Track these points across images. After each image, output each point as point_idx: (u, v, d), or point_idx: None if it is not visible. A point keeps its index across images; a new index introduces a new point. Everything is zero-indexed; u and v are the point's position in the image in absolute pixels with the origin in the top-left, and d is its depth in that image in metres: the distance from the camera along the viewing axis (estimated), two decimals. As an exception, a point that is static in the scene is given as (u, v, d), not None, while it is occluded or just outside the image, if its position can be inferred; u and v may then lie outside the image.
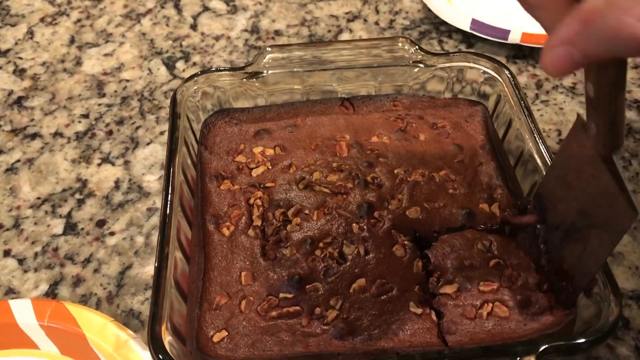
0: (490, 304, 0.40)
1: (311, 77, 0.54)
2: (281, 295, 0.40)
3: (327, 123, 0.51)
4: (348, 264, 0.41)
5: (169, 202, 0.43)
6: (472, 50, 0.65)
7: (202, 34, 0.72)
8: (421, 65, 0.53)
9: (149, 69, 0.67)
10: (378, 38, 0.64)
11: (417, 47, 0.52)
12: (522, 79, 0.65)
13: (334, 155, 0.48)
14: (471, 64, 0.52)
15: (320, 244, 0.42)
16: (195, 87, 0.52)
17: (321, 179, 0.46)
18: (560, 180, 0.39)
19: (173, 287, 0.40)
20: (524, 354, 0.34)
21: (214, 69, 0.53)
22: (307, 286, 0.41)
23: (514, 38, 0.65)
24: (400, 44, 0.53)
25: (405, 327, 0.39)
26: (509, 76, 0.50)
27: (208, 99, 0.53)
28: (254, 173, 0.48)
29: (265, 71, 0.53)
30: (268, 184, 0.47)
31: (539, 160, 0.46)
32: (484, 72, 0.52)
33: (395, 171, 0.46)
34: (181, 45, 0.70)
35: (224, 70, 0.53)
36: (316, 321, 0.39)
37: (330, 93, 0.55)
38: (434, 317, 0.39)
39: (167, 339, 0.37)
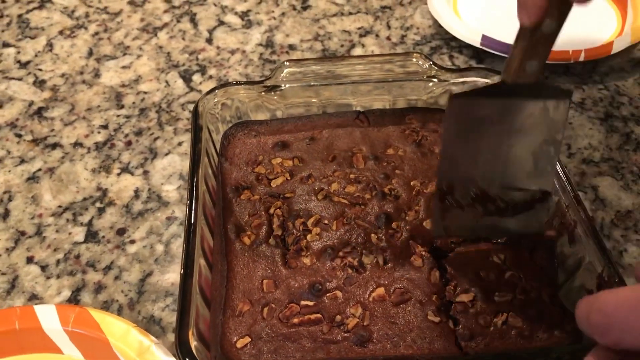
0: (505, 314, 0.41)
1: (327, 90, 0.56)
2: (302, 302, 0.42)
3: (343, 135, 0.53)
4: (367, 272, 0.43)
5: (193, 211, 0.45)
6: (484, 66, 0.66)
7: (218, 47, 0.73)
8: (435, 80, 0.55)
9: (166, 82, 0.69)
10: (392, 53, 0.66)
11: (430, 62, 0.54)
12: (531, 94, 0.66)
13: (351, 167, 0.50)
14: (484, 79, 0.54)
15: (340, 253, 0.44)
16: (215, 100, 0.54)
17: (339, 190, 0.48)
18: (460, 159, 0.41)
19: (198, 294, 0.42)
20: (539, 360, 0.35)
21: (233, 82, 0.55)
22: (328, 294, 0.42)
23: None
24: (414, 59, 0.55)
25: (424, 335, 0.40)
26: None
27: (227, 111, 0.55)
28: (273, 184, 0.50)
29: (282, 85, 0.55)
30: (287, 194, 0.49)
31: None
32: None
33: (412, 183, 0.48)
34: (197, 59, 0.72)
35: (243, 83, 0.55)
36: (337, 328, 0.41)
37: (346, 106, 0.57)
38: (451, 325, 0.40)
39: (194, 344, 0.38)
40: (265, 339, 0.40)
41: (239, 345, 0.40)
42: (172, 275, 0.50)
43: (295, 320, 0.41)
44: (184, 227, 0.44)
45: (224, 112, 0.55)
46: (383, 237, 0.45)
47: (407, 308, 0.42)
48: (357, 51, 0.73)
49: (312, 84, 0.56)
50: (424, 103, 0.56)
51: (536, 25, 0.36)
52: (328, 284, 0.43)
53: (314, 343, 0.40)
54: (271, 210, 0.48)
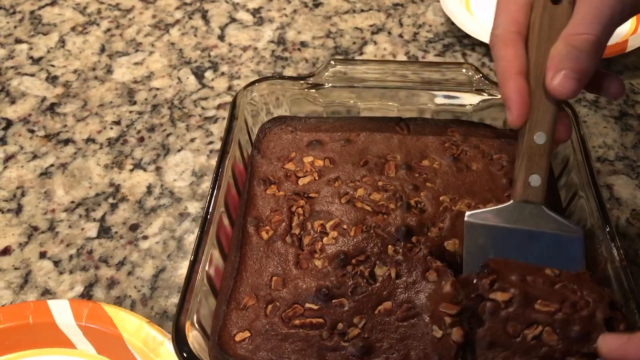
0: (541, 327, 0.38)
1: (370, 94, 0.58)
2: (307, 305, 0.44)
3: (380, 141, 0.55)
4: (377, 284, 0.45)
5: (213, 199, 0.47)
6: None
7: (230, 44, 0.74)
8: (484, 94, 0.56)
9: (179, 78, 0.69)
10: (442, 62, 0.65)
11: (481, 75, 0.55)
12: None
13: (381, 174, 0.52)
14: None
15: (353, 261, 0.46)
16: (256, 92, 0.57)
17: (364, 196, 0.50)
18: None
19: (205, 283, 0.45)
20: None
21: (276, 75, 0.56)
22: (334, 300, 0.44)
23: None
24: (464, 70, 0.56)
25: (427, 354, 0.41)
26: (571, 114, 0.52)
27: (267, 104, 0.58)
28: (301, 182, 0.52)
29: (326, 83, 0.57)
30: (312, 194, 0.51)
31: (592, 201, 0.48)
32: None
33: (441, 198, 0.49)
34: (209, 55, 0.73)
35: (286, 78, 0.58)
36: (337, 336, 0.42)
37: (388, 112, 0.59)
38: (454, 337, 0.40)
39: (192, 332, 0.41)
40: (264, 336, 0.43)
41: (237, 338, 0.43)
42: (185, 271, 0.50)
43: (297, 322, 0.43)
44: (202, 215, 0.44)
45: (264, 106, 0.58)
46: (400, 250, 0.46)
47: (413, 325, 0.43)
48: (369, 49, 0.73)
49: (355, 85, 0.57)
50: (468, 117, 0.57)
51: (524, 127, 0.43)
52: (335, 290, 0.44)
53: (311, 348, 0.42)
54: (293, 208, 0.50)
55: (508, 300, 0.39)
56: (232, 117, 0.53)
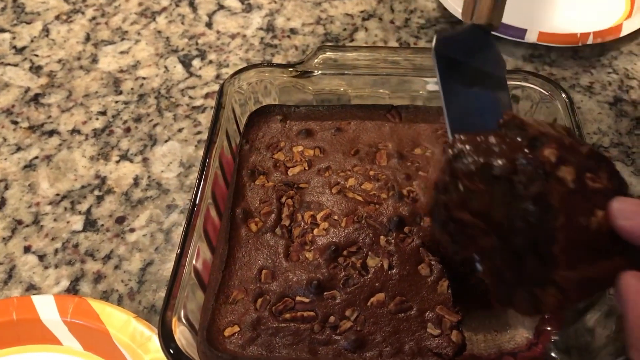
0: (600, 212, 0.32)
1: (361, 81, 0.57)
2: (298, 298, 0.43)
3: (371, 129, 0.54)
4: (370, 276, 0.43)
5: (200, 191, 0.46)
6: (531, 70, 0.64)
7: (218, 32, 0.72)
8: None
9: (165, 67, 0.68)
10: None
11: None
12: (539, 79, 0.65)
13: (372, 163, 0.51)
14: (529, 84, 0.53)
15: (345, 252, 0.45)
16: (243, 81, 0.55)
17: (355, 186, 0.49)
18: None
19: (193, 277, 0.44)
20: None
21: (264, 63, 0.54)
22: (325, 293, 0.43)
23: (531, 37, 0.66)
24: None
25: (418, 347, 0.40)
26: (566, 100, 0.51)
27: (255, 93, 0.57)
28: (290, 172, 0.51)
29: (315, 71, 0.56)
30: (302, 185, 0.50)
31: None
32: (541, 94, 0.53)
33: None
34: (197, 44, 0.71)
35: (274, 65, 0.55)
36: (329, 329, 0.41)
37: (379, 99, 0.57)
38: (454, 338, 0.40)
39: (179, 328, 0.40)
40: (254, 331, 0.42)
41: (226, 333, 0.42)
42: (173, 264, 0.49)
43: (287, 316, 0.42)
44: (189, 207, 0.43)
45: (252, 95, 0.56)
46: (392, 241, 0.45)
47: (406, 318, 0.42)
48: (360, 35, 0.71)
49: (346, 72, 0.56)
50: None
51: None
52: (327, 282, 0.43)
53: (302, 342, 0.41)
54: (283, 199, 0.49)
55: (574, 179, 0.31)
56: (219, 106, 0.52)
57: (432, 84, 0.56)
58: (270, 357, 0.40)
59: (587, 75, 0.68)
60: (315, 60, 0.55)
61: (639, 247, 0.31)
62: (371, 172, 0.49)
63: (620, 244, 0.31)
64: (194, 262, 0.43)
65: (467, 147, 0.35)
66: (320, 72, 0.55)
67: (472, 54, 0.43)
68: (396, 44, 0.72)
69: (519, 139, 0.34)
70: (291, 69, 0.55)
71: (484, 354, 0.45)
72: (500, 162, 0.34)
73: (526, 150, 0.33)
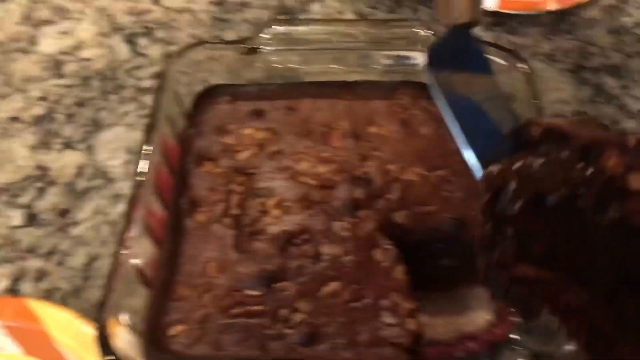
0: None
1: (314, 56, 0.53)
2: (247, 291, 0.41)
3: (325, 107, 0.51)
4: (323, 264, 0.41)
5: (138, 183, 0.43)
6: (492, 39, 0.62)
7: (165, 7, 0.68)
8: None
9: (110, 47, 0.64)
10: (392, 19, 0.60)
11: (432, 32, 0.51)
12: (500, 48, 0.62)
13: (326, 145, 0.48)
14: (488, 56, 0.49)
15: (297, 241, 0.42)
16: (187, 60, 0.51)
17: (308, 170, 0.46)
18: None
19: (134, 275, 0.41)
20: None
21: (209, 41, 0.50)
22: (276, 284, 0.41)
23: (492, 4, 0.63)
24: (414, 28, 0.52)
25: (373, 337, 0.38)
26: (525, 71, 0.48)
27: (202, 72, 0.52)
28: (240, 157, 0.48)
29: (264, 47, 0.52)
30: (251, 170, 0.47)
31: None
32: (500, 65, 0.50)
33: (389, 167, 0.46)
34: (143, 21, 0.67)
35: (219, 42, 0.51)
36: (280, 323, 0.39)
37: (333, 75, 0.54)
38: (409, 326, 0.38)
39: (120, 330, 0.37)
40: (201, 329, 0.39)
41: (171, 332, 0.39)
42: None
43: (236, 311, 0.40)
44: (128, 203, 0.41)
45: (197, 76, 0.52)
46: (347, 226, 0.43)
47: (361, 307, 0.40)
48: (316, 6, 0.68)
49: (298, 48, 0.52)
50: (419, 77, 0.52)
51: None
52: (278, 273, 0.41)
53: (252, 337, 0.39)
54: (231, 187, 0.46)
55: None
56: (161, 89, 0.48)
57: (389, 57, 0.53)
58: (218, 356, 0.38)
59: (548, 42, 0.66)
60: (265, 36, 0.52)
61: None
62: (324, 154, 0.47)
63: None
64: (136, 259, 0.40)
65: (508, 178, 0.28)
66: (269, 48, 0.52)
67: (463, 61, 0.38)
68: (352, 16, 0.69)
69: (567, 153, 0.27)
70: (238, 46, 0.52)
71: (444, 338, 0.44)
72: (554, 187, 0.26)
73: (583, 166, 0.26)
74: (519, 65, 0.49)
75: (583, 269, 0.26)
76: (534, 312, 0.29)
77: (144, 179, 0.43)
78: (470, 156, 0.34)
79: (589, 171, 0.25)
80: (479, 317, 0.45)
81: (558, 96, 0.61)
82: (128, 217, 0.41)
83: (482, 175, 0.30)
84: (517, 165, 0.27)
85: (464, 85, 0.37)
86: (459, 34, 0.39)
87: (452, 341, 0.44)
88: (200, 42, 0.52)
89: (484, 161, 0.32)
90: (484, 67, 0.40)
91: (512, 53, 0.50)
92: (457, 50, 0.39)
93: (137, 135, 0.58)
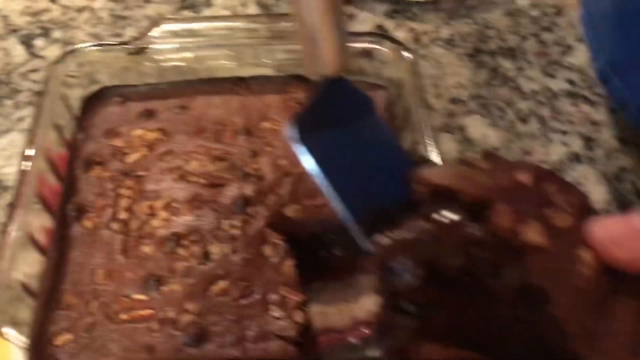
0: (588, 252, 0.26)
1: (207, 52, 0.53)
2: (135, 296, 0.41)
3: (219, 105, 0.51)
4: (212, 264, 0.42)
5: (18, 196, 0.42)
6: (378, 32, 0.63)
7: (63, 6, 0.66)
8: None
9: (4, 49, 0.61)
10: (280, 14, 0.60)
11: None
12: (400, 34, 0.64)
13: (218, 142, 0.48)
14: (376, 46, 0.51)
15: (185, 242, 0.43)
16: (73, 63, 0.50)
17: (198, 169, 0.46)
18: None
19: (18, 287, 0.40)
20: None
21: (94, 43, 0.49)
22: (164, 288, 0.41)
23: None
24: None
25: (261, 332, 0.39)
26: (413, 62, 0.50)
27: (90, 75, 0.52)
28: (129, 159, 0.48)
29: (153, 46, 0.51)
30: (141, 173, 0.47)
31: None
32: (388, 55, 0.51)
33: (281, 162, 0.45)
34: (40, 21, 0.64)
35: (104, 44, 0.50)
36: (169, 326, 0.40)
37: (228, 71, 0.54)
38: (297, 318, 0.39)
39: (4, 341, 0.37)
40: (88, 337, 0.39)
41: (57, 342, 0.39)
42: (14, 272, 0.45)
43: (124, 317, 0.40)
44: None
45: (84, 79, 0.51)
46: (236, 224, 0.43)
47: (250, 304, 0.40)
48: (218, 0, 0.67)
49: (188, 45, 0.52)
50: None
51: None
52: (166, 276, 0.41)
53: (138, 342, 0.39)
54: (120, 191, 0.46)
55: (544, 234, 0.23)
56: (43, 95, 0.47)
57: (284, 51, 0.53)
58: (104, 364, 0.38)
59: (448, 27, 0.68)
60: (154, 35, 0.51)
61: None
62: (216, 152, 0.47)
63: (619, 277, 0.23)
64: (20, 271, 0.39)
65: (398, 252, 0.26)
66: (158, 46, 0.51)
67: (338, 115, 0.35)
68: (256, 8, 0.68)
69: (456, 214, 0.25)
70: (126, 46, 0.51)
71: (338, 326, 0.45)
72: (449, 255, 0.25)
73: (474, 228, 0.24)
74: (405, 54, 0.50)
75: (493, 341, 0.25)
76: None
77: (27, 189, 0.42)
78: (351, 224, 0.30)
79: (481, 233, 0.24)
80: (371, 302, 0.46)
81: (456, 80, 0.63)
82: (4, 227, 0.40)
83: (371, 253, 0.27)
84: (406, 236, 0.26)
85: (343, 144, 0.34)
86: (329, 86, 0.36)
87: (347, 328, 0.45)
88: (85, 46, 0.51)
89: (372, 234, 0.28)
90: (367, 109, 0.36)
91: (396, 43, 0.51)
92: (330, 104, 0.35)
93: (33, 141, 0.56)
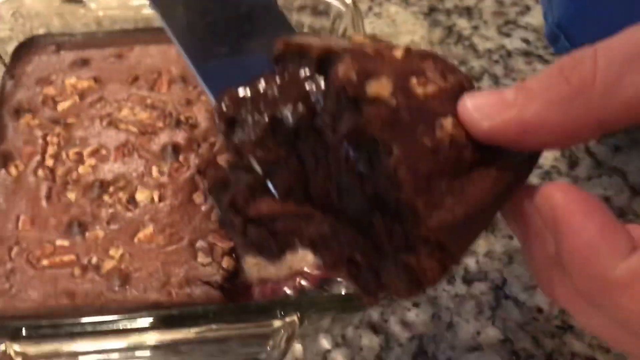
0: (449, 119, 0.24)
1: (144, 2, 0.50)
2: (58, 242, 0.40)
3: (156, 54, 0.50)
4: (137, 211, 0.41)
5: None
6: None
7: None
8: None
9: None
10: None
11: None
12: (355, -8, 0.62)
13: (151, 91, 0.47)
14: None
15: (111, 189, 0.42)
16: (4, 11, 0.49)
17: (129, 117, 0.45)
18: None
19: None
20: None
21: None
22: (87, 234, 0.40)
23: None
24: None
25: (187, 278, 0.38)
26: (352, 9, 0.48)
27: (24, 25, 0.50)
28: (60, 107, 0.46)
29: None
30: (70, 120, 0.46)
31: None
32: (334, 7, 0.49)
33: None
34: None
35: None
36: (91, 272, 0.39)
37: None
38: (224, 264, 0.39)
39: None
40: (6, 284, 0.38)
41: (-24, 288, 0.36)
42: None
43: (45, 262, 0.39)
44: None
45: (21, 26, 0.50)
46: (166, 171, 0.42)
47: (176, 250, 0.39)
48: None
49: None
50: None
51: None
52: (90, 222, 0.40)
53: (59, 288, 0.38)
54: (48, 138, 0.43)
55: (392, 91, 0.22)
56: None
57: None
58: (21, 309, 0.36)
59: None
60: (91, -19, 0.50)
61: (512, 151, 0.23)
62: (148, 101, 0.46)
63: (487, 152, 0.23)
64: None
65: (240, 106, 0.25)
66: (95, -6, 0.50)
67: None
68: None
69: (304, 69, 0.24)
70: (59, -7, 0.50)
71: (274, 277, 0.44)
72: (289, 108, 0.24)
73: (318, 79, 0.23)
74: (347, 1, 0.49)
75: (334, 196, 0.24)
76: (275, 253, 0.27)
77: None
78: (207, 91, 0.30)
79: (323, 84, 0.23)
80: (309, 254, 0.45)
81: (410, 38, 0.62)
82: None
83: (214, 106, 0.26)
84: (249, 88, 0.25)
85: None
86: None
87: (282, 278, 0.44)
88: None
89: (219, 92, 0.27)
90: None
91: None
92: None
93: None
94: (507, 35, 0.62)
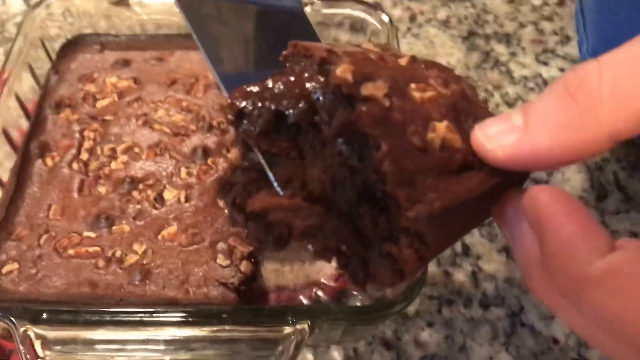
0: (444, 123, 0.26)
1: None
2: (85, 233, 0.41)
3: (195, 60, 0.51)
4: (164, 209, 0.42)
5: None
6: (390, 5, 0.62)
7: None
8: (307, 9, 0.52)
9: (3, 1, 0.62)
10: None
11: None
12: (397, 12, 0.63)
13: (187, 95, 0.49)
14: (354, 13, 0.51)
15: (141, 186, 0.43)
16: (51, 11, 0.51)
17: (164, 118, 0.47)
18: None
19: None
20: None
21: None
22: (114, 227, 0.41)
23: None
24: None
25: (205, 278, 0.39)
26: (387, 23, 0.49)
27: (72, 23, 0.53)
28: (99, 104, 0.48)
29: None
30: (107, 117, 0.48)
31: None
32: (369, 22, 0.51)
33: None
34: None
35: None
36: (114, 264, 0.40)
37: None
38: (242, 268, 0.39)
39: None
40: (34, 268, 0.40)
41: (4, 270, 0.40)
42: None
43: (72, 252, 0.40)
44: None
45: (69, 24, 0.52)
46: (194, 173, 0.43)
47: (197, 250, 0.40)
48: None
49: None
50: None
51: None
52: (117, 216, 0.42)
53: (82, 277, 0.39)
54: (85, 133, 0.46)
55: (387, 93, 0.24)
56: (17, 36, 0.48)
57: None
58: (45, 294, 0.38)
59: (445, 9, 0.67)
60: (138, -14, 0.52)
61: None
62: (184, 104, 0.47)
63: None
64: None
65: (248, 102, 0.26)
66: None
67: None
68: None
69: (307, 69, 0.26)
70: (109, -4, 0.52)
71: (291, 285, 0.44)
72: (292, 104, 0.26)
73: (319, 79, 0.25)
74: (382, 16, 0.49)
75: (329, 190, 0.26)
76: (277, 244, 0.28)
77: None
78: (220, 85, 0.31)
79: (322, 83, 0.25)
80: (327, 266, 0.45)
81: (446, 60, 0.62)
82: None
83: (228, 100, 0.27)
84: (257, 85, 0.26)
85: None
86: None
87: (299, 287, 0.45)
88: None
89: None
90: None
91: (372, 7, 0.50)
92: None
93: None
94: (545, 63, 0.62)
